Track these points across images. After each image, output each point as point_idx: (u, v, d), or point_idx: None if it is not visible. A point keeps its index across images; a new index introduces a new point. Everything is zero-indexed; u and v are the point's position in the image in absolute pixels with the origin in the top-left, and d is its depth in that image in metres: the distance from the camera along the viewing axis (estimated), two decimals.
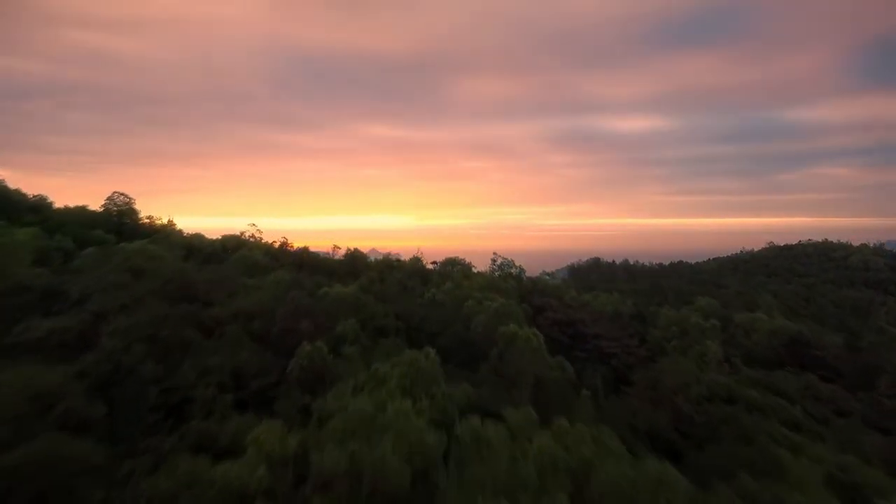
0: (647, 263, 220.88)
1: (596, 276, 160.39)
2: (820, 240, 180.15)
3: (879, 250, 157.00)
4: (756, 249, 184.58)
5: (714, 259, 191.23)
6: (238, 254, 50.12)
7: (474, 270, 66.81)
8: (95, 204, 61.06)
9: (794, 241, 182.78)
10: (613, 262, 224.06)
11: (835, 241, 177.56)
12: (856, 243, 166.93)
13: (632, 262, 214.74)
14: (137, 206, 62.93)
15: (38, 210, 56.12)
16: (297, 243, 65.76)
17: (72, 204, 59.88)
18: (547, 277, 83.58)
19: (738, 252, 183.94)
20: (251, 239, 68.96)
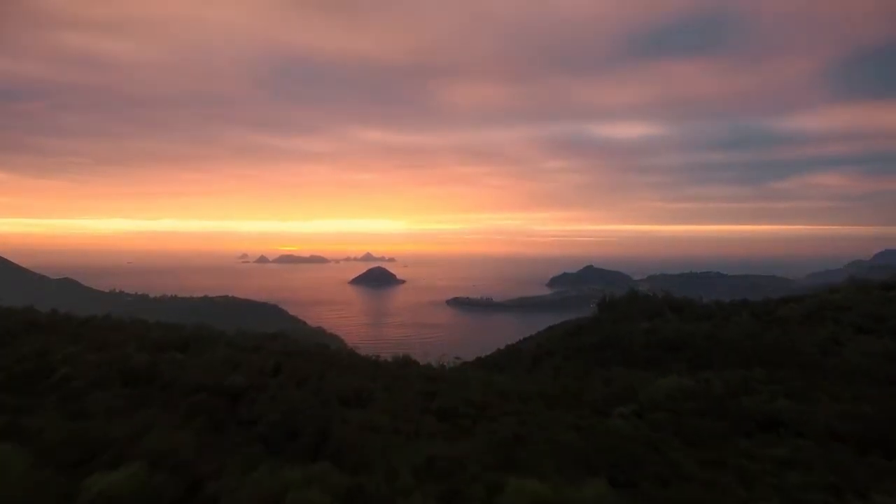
0: (691, 296, 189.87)
1: (645, 321, 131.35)
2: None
3: None
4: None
5: (777, 300, 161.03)
6: None
7: None
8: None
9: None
10: (650, 294, 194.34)
11: None
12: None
13: (677, 296, 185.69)
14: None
15: None
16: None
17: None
18: None
19: (806, 291, 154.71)
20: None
